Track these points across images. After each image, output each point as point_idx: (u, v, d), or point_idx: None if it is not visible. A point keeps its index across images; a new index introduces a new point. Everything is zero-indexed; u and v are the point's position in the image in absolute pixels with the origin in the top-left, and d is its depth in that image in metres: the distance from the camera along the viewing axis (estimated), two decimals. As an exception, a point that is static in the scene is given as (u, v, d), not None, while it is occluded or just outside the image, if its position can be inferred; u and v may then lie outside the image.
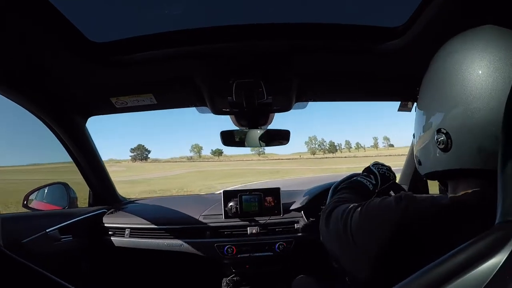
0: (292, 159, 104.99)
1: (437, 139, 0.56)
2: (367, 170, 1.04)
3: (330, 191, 1.17)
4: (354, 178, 1.01)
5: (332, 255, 0.73)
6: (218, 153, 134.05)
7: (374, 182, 0.99)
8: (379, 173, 1.01)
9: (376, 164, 1.06)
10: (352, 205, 0.70)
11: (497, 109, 0.48)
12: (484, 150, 0.51)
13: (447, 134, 0.54)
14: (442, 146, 0.55)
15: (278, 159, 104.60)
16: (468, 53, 0.54)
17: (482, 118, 0.50)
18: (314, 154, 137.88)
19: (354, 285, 0.72)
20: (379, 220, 0.60)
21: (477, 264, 0.31)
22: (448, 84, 0.56)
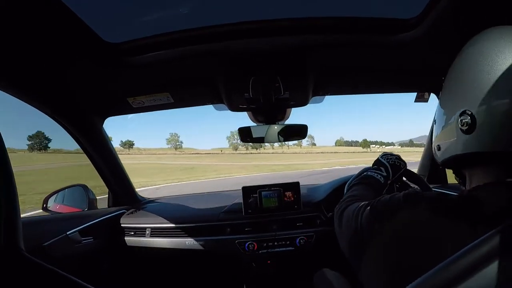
0: (212, 153, 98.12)
1: (461, 120, 0.56)
2: (377, 162, 1.04)
3: (346, 187, 1.17)
4: (365, 173, 1.01)
5: (347, 256, 0.73)
6: (128, 144, 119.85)
7: (385, 174, 0.99)
8: (389, 163, 1.01)
9: (384, 155, 1.06)
10: (362, 204, 0.71)
11: None
12: (505, 134, 0.51)
13: (471, 115, 0.55)
14: (465, 128, 0.56)
15: (196, 154, 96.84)
16: (500, 44, 0.55)
17: (508, 107, 0.50)
18: (236, 150, 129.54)
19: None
20: (388, 219, 0.60)
21: (504, 254, 0.31)
22: (476, 70, 0.56)
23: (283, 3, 0.99)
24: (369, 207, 0.66)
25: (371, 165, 1.06)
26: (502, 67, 0.52)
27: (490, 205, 0.52)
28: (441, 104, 0.68)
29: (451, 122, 0.61)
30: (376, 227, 0.62)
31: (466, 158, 0.59)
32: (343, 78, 1.31)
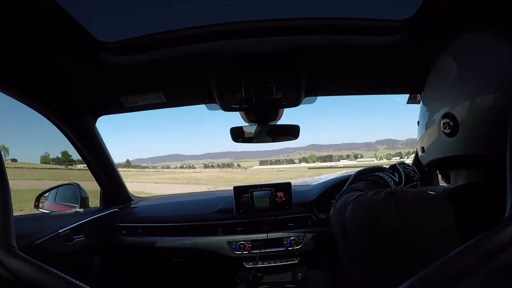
0: None
1: (443, 123, 0.56)
2: (393, 167, 1.04)
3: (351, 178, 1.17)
4: (377, 173, 1.01)
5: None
6: None
7: (397, 180, 0.98)
8: (404, 172, 1.01)
9: (402, 163, 1.06)
10: (354, 196, 0.70)
11: (505, 96, 0.48)
12: (490, 136, 0.50)
13: (453, 118, 0.54)
14: (448, 131, 0.55)
15: None
16: (483, 43, 0.54)
17: (490, 104, 0.49)
18: None
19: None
20: (367, 216, 0.60)
21: (492, 259, 0.31)
22: (457, 70, 0.56)
23: (276, 3, 0.99)
24: (352, 203, 0.66)
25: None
26: (486, 66, 0.52)
27: (468, 204, 0.52)
28: (424, 103, 0.67)
29: (434, 124, 0.60)
30: (357, 224, 0.63)
31: (450, 161, 0.59)
32: (336, 78, 1.32)
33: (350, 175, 1.34)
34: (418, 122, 0.71)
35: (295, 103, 1.36)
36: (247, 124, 1.44)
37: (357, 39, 1.00)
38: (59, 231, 1.32)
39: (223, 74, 1.15)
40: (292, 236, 1.50)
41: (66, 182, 1.67)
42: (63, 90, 1.23)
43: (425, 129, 0.65)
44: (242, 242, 1.48)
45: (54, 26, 0.84)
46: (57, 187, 1.66)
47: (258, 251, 1.48)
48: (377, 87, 1.47)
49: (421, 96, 1.44)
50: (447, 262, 0.33)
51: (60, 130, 1.40)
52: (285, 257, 1.55)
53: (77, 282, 0.40)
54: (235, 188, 1.55)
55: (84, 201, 1.61)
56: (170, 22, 0.99)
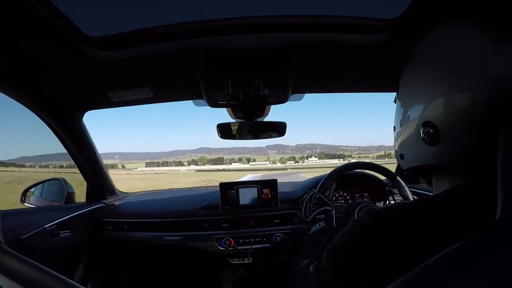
0: None
1: (423, 131, 0.53)
2: (311, 221, 1.07)
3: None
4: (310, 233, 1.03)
5: None
6: None
7: (323, 216, 1.02)
8: (312, 203, 1.08)
9: (304, 211, 1.12)
10: (315, 264, 0.68)
11: (483, 99, 0.45)
12: (473, 141, 0.48)
13: (434, 126, 0.51)
14: (428, 140, 0.53)
15: None
16: (453, 40, 0.52)
17: (471, 104, 0.46)
18: None
19: None
20: (357, 244, 0.57)
21: (483, 261, 0.31)
22: (431, 73, 0.53)
23: (264, 0, 1.00)
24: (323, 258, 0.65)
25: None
26: (466, 59, 0.48)
27: (457, 206, 0.51)
28: (402, 107, 0.64)
29: (413, 131, 0.57)
30: (349, 260, 0.58)
31: (431, 168, 0.58)
32: (323, 76, 1.33)
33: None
34: (394, 128, 0.69)
35: (282, 100, 1.37)
36: (234, 121, 1.45)
37: (345, 37, 1.01)
38: (45, 226, 1.32)
39: (210, 70, 1.16)
40: (278, 232, 1.51)
41: (52, 177, 1.66)
42: (50, 84, 1.22)
43: (403, 135, 0.63)
44: (227, 238, 1.48)
45: (42, 20, 0.83)
46: (43, 182, 1.65)
47: (243, 247, 1.49)
48: (364, 85, 1.48)
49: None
50: (436, 262, 0.33)
51: (47, 125, 1.40)
52: (272, 253, 1.56)
53: (64, 277, 0.40)
54: (221, 184, 1.55)
55: (70, 196, 1.61)
56: (158, 18, 0.99)
